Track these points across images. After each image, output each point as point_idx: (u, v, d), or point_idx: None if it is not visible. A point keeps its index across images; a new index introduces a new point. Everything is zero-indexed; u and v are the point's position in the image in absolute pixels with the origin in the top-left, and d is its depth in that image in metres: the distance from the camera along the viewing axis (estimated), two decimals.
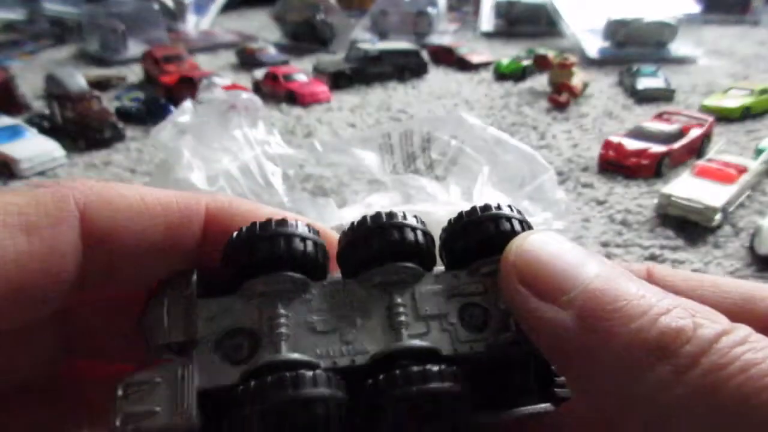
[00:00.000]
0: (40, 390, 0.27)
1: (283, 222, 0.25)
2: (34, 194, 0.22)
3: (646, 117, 1.49)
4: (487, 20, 2.81)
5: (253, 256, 0.24)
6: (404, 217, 0.26)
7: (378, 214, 0.26)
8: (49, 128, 1.48)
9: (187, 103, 1.28)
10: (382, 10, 2.61)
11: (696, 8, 2.33)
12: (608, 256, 0.94)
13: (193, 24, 2.74)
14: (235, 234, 0.25)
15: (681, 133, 1.29)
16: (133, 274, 0.25)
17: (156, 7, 2.51)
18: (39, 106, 1.72)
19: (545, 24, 2.63)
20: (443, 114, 1.65)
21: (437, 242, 0.28)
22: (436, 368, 0.22)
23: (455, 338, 0.25)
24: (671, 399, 0.19)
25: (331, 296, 0.26)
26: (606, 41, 2.26)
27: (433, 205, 0.89)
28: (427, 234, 0.27)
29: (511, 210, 0.27)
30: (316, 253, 0.25)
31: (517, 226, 0.27)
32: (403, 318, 0.25)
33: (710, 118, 1.38)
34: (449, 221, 0.28)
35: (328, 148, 1.14)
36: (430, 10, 2.60)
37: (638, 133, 1.30)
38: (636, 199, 1.12)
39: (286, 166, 1.13)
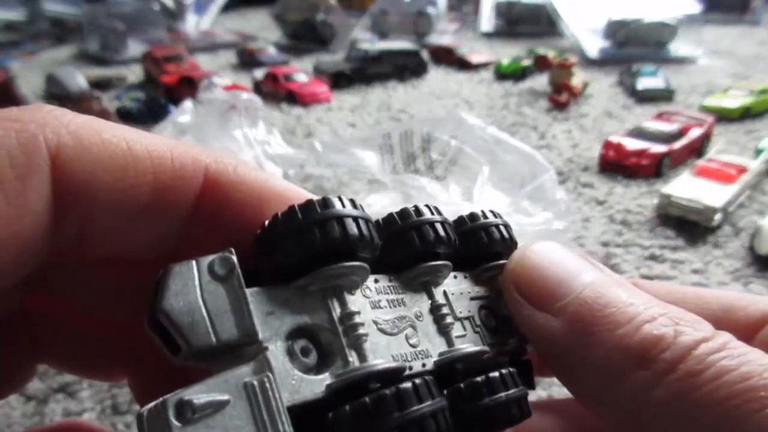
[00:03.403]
0: None
1: (328, 202, 0.20)
2: (4, 134, 0.17)
3: (646, 117, 1.49)
4: (487, 20, 2.81)
5: (304, 249, 0.19)
6: (431, 211, 0.25)
7: (406, 212, 0.25)
8: None
9: (188, 103, 1.28)
10: (382, 10, 2.61)
11: (696, 8, 2.33)
12: (608, 256, 0.94)
13: (193, 24, 2.74)
14: (268, 223, 0.20)
15: (681, 133, 1.29)
16: (109, 240, 0.21)
17: (156, 7, 2.51)
18: None
19: (545, 24, 2.63)
20: (443, 114, 1.65)
21: None
22: (506, 373, 0.23)
23: (485, 341, 0.25)
24: (649, 403, 0.20)
25: (385, 292, 0.24)
26: (606, 41, 2.26)
27: None
28: (449, 230, 0.26)
29: (498, 217, 0.28)
30: (370, 233, 0.21)
31: (515, 237, 0.28)
32: (448, 319, 0.25)
33: (710, 118, 1.38)
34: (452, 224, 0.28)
35: (328, 148, 1.14)
36: (430, 10, 2.60)
37: (638, 133, 1.30)
38: (636, 199, 1.12)
39: (286, 166, 1.13)
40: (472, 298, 0.26)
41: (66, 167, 0.18)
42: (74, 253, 0.20)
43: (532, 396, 0.29)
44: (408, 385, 0.19)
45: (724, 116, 1.52)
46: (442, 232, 0.25)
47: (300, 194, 0.23)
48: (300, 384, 0.18)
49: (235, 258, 0.18)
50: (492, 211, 0.28)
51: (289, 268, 0.20)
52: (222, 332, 0.17)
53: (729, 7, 2.81)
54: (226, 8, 3.01)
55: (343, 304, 0.21)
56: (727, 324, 0.24)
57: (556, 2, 2.44)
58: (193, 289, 0.17)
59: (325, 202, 0.20)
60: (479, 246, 0.27)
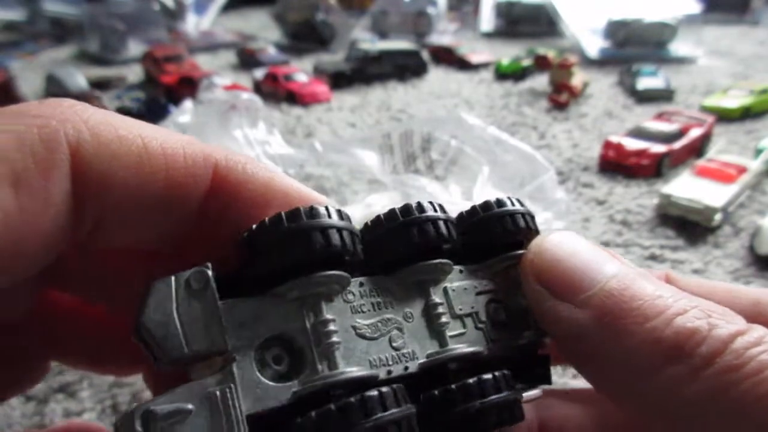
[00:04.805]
0: (6, 321, 0.24)
1: (314, 212, 0.21)
2: (18, 133, 0.18)
3: (646, 117, 1.49)
4: (487, 20, 2.81)
5: (285, 258, 0.20)
6: (434, 208, 0.25)
7: (408, 208, 0.24)
8: None
9: (188, 103, 1.28)
10: (382, 10, 2.61)
11: (696, 8, 2.33)
12: None
13: (193, 24, 2.74)
14: (254, 227, 0.21)
15: (681, 133, 1.29)
16: (123, 233, 0.21)
17: (156, 7, 2.51)
18: None
19: (545, 24, 2.62)
20: (443, 114, 1.65)
21: None
22: (489, 378, 0.22)
23: (488, 337, 0.25)
24: (684, 399, 0.19)
25: (370, 295, 0.23)
26: (606, 41, 2.26)
27: None
28: (455, 226, 0.26)
29: (522, 205, 0.27)
30: (353, 244, 0.22)
31: (532, 224, 0.27)
32: (443, 319, 0.24)
33: (710, 118, 1.38)
34: (461, 215, 0.27)
35: (328, 148, 1.14)
36: (430, 10, 2.59)
37: (638, 133, 1.30)
38: (636, 199, 1.12)
39: (286, 166, 1.13)
40: (479, 293, 0.26)
41: (85, 162, 0.19)
42: (90, 244, 0.21)
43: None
44: (374, 392, 0.19)
45: (724, 116, 1.52)
46: (443, 230, 0.24)
47: (303, 194, 0.24)
48: (266, 392, 0.19)
49: (210, 272, 0.20)
50: (515, 199, 0.27)
51: (271, 274, 0.21)
52: (193, 343, 0.18)
53: (729, 7, 2.81)
54: (226, 8, 3.01)
55: (318, 312, 0.21)
56: (758, 319, 0.23)
57: (556, 2, 2.44)
58: (170, 304, 0.19)
59: (312, 212, 0.21)
60: (494, 235, 0.26)
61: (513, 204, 0.27)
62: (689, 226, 1.00)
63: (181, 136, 0.22)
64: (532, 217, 0.27)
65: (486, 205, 0.27)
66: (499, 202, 0.27)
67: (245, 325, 0.20)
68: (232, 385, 0.18)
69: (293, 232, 0.20)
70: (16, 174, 0.17)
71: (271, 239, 0.20)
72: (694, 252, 0.94)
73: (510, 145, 1.07)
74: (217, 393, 0.18)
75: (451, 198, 0.95)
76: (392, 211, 0.24)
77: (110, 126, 0.20)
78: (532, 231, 0.27)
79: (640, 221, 1.04)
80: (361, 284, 0.23)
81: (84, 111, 0.19)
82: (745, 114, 1.55)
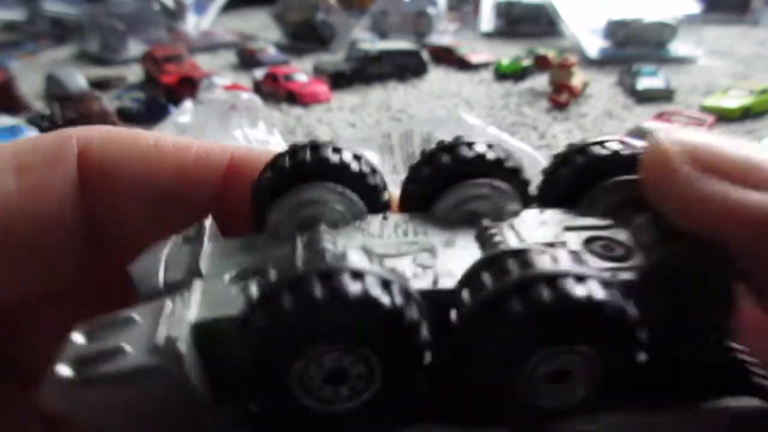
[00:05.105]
0: (71, 293, 0.24)
1: (324, 142, 0.20)
2: (36, 138, 0.21)
3: (646, 117, 1.49)
4: (487, 20, 2.81)
5: (286, 170, 0.19)
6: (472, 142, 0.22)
7: (442, 140, 0.22)
8: (50, 128, 1.47)
9: (188, 103, 1.28)
10: (382, 10, 2.61)
11: (696, 8, 2.33)
12: None
13: (193, 24, 2.74)
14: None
15: None
16: (143, 219, 0.22)
17: (156, 7, 2.51)
18: (39, 106, 1.72)
19: (545, 24, 2.62)
20: (443, 114, 1.65)
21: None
22: (581, 268, 0.15)
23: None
24: None
25: (395, 227, 0.20)
26: (606, 41, 2.26)
27: None
28: (509, 153, 0.21)
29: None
30: (361, 166, 0.20)
31: (636, 149, 0.21)
32: (500, 238, 0.19)
33: (710, 118, 1.39)
34: (556, 154, 0.23)
35: None
36: (430, 10, 2.59)
37: (638, 134, 1.30)
38: None
39: None
40: (569, 228, 0.20)
41: (92, 156, 0.21)
42: (108, 236, 0.22)
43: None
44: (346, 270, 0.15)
45: (724, 116, 1.52)
46: (483, 149, 0.20)
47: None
48: (227, 301, 0.17)
49: (207, 221, 0.20)
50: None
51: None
52: (170, 277, 0.19)
53: (729, 7, 2.81)
54: (226, 8, 3.01)
55: (314, 232, 0.19)
56: None
57: (556, 2, 2.44)
58: (160, 253, 0.19)
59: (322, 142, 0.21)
60: (593, 165, 0.21)
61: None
62: None
63: (196, 140, 0.23)
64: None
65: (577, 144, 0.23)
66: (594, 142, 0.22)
67: (229, 257, 0.19)
68: (186, 293, 0.17)
69: (283, 152, 0.20)
70: (22, 165, 0.20)
71: (268, 166, 0.20)
72: None
73: (510, 145, 1.07)
74: (168, 302, 0.17)
75: None
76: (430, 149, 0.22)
77: (124, 131, 0.22)
78: (639, 156, 0.20)
79: None
80: (385, 218, 0.20)
81: (104, 126, 0.22)
82: (745, 114, 1.55)
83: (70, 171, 0.20)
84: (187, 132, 1.15)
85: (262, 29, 2.79)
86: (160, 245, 0.20)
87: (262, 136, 1.19)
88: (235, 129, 1.15)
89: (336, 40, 2.47)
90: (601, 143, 0.22)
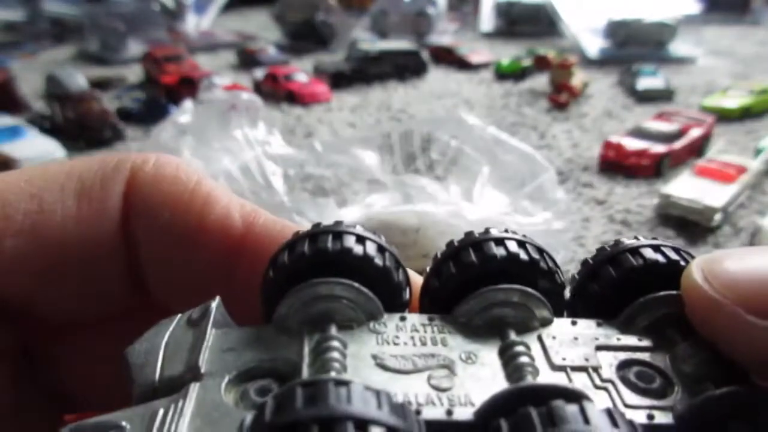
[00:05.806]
0: (115, 319, 0.25)
1: (337, 223, 0.19)
2: (103, 158, 0.23)
3: (646, 117, 1.49)
4: (487, 20, 2.81)
5: (305, 256, 0.18)
6: (506, 231, 0.20)
7: (470, 232, 0.20)
8: (50, 128, 1.48)
9: (188, 103, 1.28)
10: (382, 10, 2.61)
11: (696, 8, 2.34)
12: None
13: (193, 24, 2.74)
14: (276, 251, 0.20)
15: (681, 133, 1.29)
16: (164, 264, 0.23)
17: (156, 7, 2.51)
18: (39, 106, 1.72)
19: (545, 24, 2.63)
20: (443, 114, 1.65)
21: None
22: (604, 411, 0.14)
23: (618, 401, 0.17)
24: None
25: (412, 330, 0.18)
26: (606, 41, 2.26)
27: (433, 205, 0.89)
28: (543, 251, 0.20)
29: (655, 239, 0.21)
30: (385, 261, 0.18)
31: (674, 255, 0.20)
32: (525, 359, 0.17)
33: (710, 118, 1.39)
34: (585, 261, 0.21)
35: (328, 148, 1.14)
36: (430, 10, 2.60)
37: (638, 133, 1.30)
38: (636, 199, 1.12)
39: (286, 166, 1.13)
40: (602, 348, 0.19)
41: (137, 184, 0.23)
42: (145, 269, 0.23)
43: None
44: (343, 389, 0.14)
45: (724, 116, 1.52)
46: (514, 248, 0.19)
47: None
48: (224, 416, 0.16)
49: (214, 304, 0.19)
50: (654, 244, 0.21)
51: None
52: (168, 369, 0.17)
53: (729, 7, 2.81)
54: (226, 8, 3.02)
55: (323, 332, 0.18)
56: None
57: (556, 2, 2.44)
58: (162, 335, 0.18)
59: (336, 223, 0.20)
60: (630, 274, 0.19)
61: (639, 239, 0.21)
62: (689, 225, 1.00)
63: (235, 196, 0.24)
64: (686, 252, 0.20)
65: (615, 242, 0.21)
66: (622, 242, 0.20)
67: (233, 350, 0.18)
68: (180, 402, 0.16)
69: (296, 241, 0.20)
70: (84, 188, 0.21)
71: (276, 254, 0.20)
72: (694, 252, 0.94)
73: (510, 145, 1.07)
74: (161, 411, 0.16)
75: (451, 198, 0.95)
76: (452, 241, 0.20)
77: (174, 167, 0.23)
78: (679, 265, 0.20)
79: (639, 221, 1.04)
80: (403, 318, 0.19)
81: (165, 155, 0.23)
82: (745, 114, 1.55)
83: (117, 195, 0.22)
84: (187, 132, 1.15)
85: (262, 29, 2.79)
86: (162, 325, 0.18)
87: (262, 136, 1.19)
88: (235, 129, 1.15)
89: (336, 40, 2.47)
90: (633, 251, 0.20)
